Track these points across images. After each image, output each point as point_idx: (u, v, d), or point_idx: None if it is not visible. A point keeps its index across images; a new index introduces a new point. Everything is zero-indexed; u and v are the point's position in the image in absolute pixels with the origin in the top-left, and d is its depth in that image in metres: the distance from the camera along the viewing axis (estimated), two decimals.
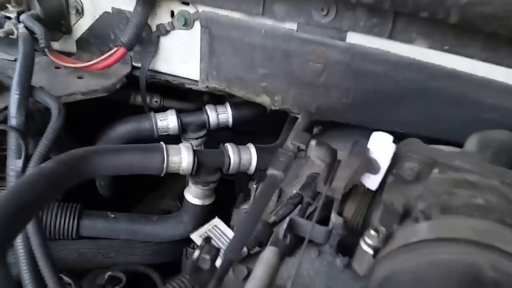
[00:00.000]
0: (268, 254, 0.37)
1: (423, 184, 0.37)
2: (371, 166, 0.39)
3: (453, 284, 0.30)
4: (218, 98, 0.75)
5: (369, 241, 0.34)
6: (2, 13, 0.64)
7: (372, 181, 0.40)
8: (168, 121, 0.71)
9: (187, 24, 0.62)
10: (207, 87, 0.63)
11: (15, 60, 0.62)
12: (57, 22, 0.67)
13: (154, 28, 0.64)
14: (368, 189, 0.40)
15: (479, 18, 0.41)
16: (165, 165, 0.53)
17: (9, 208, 0.34)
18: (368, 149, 0.39)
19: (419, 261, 0.32)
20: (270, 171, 0.41)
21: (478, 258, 0.30)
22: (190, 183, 0.60)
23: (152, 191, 0.82)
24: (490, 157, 0.41)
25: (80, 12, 0.68)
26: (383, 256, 0.34)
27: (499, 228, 0.31)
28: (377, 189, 0.40)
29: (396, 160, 0.38)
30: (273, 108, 0.62)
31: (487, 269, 0.29)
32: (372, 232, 0.34)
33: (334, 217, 0.42)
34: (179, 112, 0.73)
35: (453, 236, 0.31)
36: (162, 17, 0.63)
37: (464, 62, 0.49)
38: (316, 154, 0.44)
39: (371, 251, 0.34)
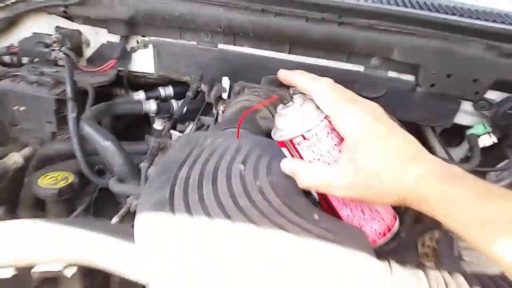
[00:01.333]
0: None
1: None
2: None
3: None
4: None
5: None
6: (51, 48, 1.24)
7: None
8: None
9: (146, 46, 1.24)
10: (158, 75, 1.25)
11: (57, 72, 1.22)
12: (78, 50, 1.28)
13: (129, 49, 1.26)
14: None
15: None
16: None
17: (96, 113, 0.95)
18: None
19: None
20: None
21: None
22: None
23: None
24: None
25: (88, 44, 1.29)
26: None
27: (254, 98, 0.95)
28: None
29: None
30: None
31: None
32: None
33: None
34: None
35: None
36: (132, 43, 1.25)
37: None
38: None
39: None
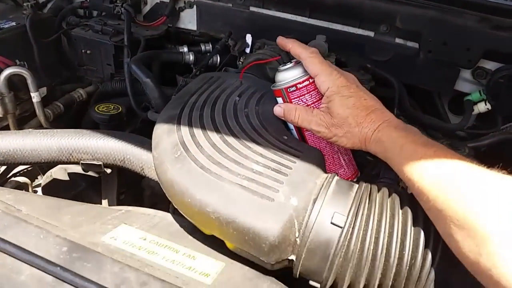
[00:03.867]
0: None
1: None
2: None
3: None
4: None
5: None
6: (115, 4, 1.48)
7: None
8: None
9: (191, 6, 1.44)
10: (199, 32, 1.46)
11: (118, 24, 1.47)
12: (136, 7, 1.49)
13: (177, 8, 1.46)
14: None
15: None
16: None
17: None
18: None
19: None
20: None
21: None
22: None
23: None
24: None
25: (145, 3, 1.51)
26: None
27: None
28: None
29: None
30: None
31: None
32: None
33: None
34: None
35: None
36: (180, 3, 1.46)
37: None
38: None
39: None
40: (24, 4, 1.37)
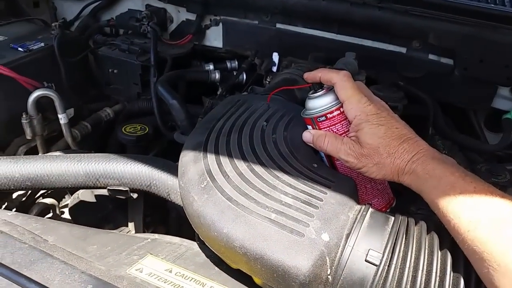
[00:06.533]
0: None
1: None
2: None
3: None
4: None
5: None
6: (141, 22, 1.48)
7: None
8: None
9: (217, 24, 1.44)
10: (225, 50, 1.45)
11: (144, 42, 1.47)
12: (162, 25, 1.50)
13: (203, 26, 1.46)
14: None
15: None
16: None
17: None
18: None
19: None
20: None
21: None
22: None
23: None
24: None
25: (171, 21, 1.51)
26: None
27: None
28: None
29: None
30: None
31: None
32: None
33: None
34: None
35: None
36: (206, 21, 1.45)
37: None
38: None
39: None
40: (53, 24, 1.39)
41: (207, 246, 0.70)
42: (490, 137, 1.21)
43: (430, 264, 0.58)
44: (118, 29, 1.54)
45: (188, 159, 0.74)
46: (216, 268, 0.71)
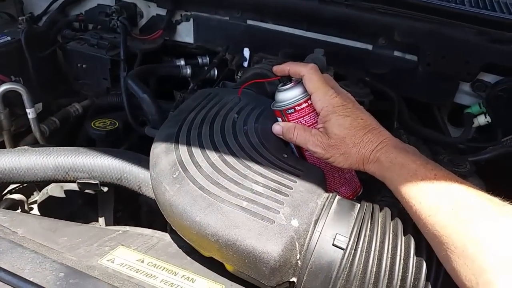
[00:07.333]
0: None
1: None
2: None
3: None
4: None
5: None
6: (111, 17, 1.47)
7: None
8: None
9: (187, 19, 1.44)
10: (197, 45, 1.45)
11: (114, 37, 1.46)
12: (132, 20, 1.49)
13: (174, 21, 1.46)
14: None
15: None
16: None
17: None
18: None
19: None
20: None
21: None
22: None
23: None
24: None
25: (141, 16, 1.50)
26: None
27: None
28: None
29: None
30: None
31: None
32: None
33: None
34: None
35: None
36: (177, 17, 1.45)
37: None
38: None
39: None
40: (19, 18, 1.36)
41: (179, 236, 0.71)
42: (453, 131, 1.26)
43: (394, 247, 0.61)
44: (87, 24, 1.52)
45: (159, 150, 0.74)
46: (188, 257, 0.72)
